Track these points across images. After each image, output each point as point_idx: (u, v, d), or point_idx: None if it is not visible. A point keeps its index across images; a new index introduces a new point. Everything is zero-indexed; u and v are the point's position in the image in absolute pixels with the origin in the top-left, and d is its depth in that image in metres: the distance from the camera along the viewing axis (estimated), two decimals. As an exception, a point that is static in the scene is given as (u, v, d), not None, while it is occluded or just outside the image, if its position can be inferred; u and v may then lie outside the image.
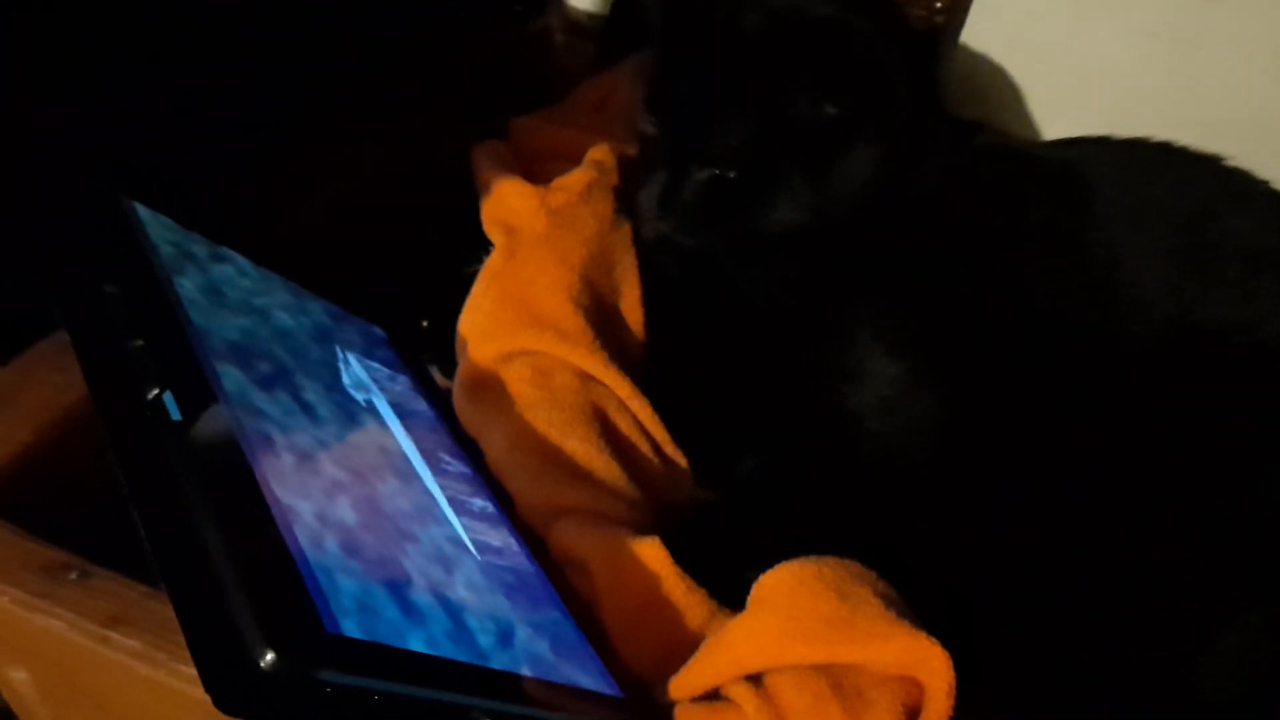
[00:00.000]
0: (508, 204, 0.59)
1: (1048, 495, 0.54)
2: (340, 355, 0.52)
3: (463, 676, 0.36)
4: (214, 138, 0.58)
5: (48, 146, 0.49)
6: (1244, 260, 0.57)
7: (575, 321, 0.55)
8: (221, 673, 0.30)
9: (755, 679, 0.42)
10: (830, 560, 0.44)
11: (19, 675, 0.47)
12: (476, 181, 0.62)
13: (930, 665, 0.41)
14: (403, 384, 0.55)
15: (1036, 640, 0.53)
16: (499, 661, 0.38)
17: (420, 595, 0.37)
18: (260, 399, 0.41)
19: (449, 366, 0.59)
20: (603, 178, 0.60)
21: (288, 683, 0.30)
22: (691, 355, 0.62)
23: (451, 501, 0.47)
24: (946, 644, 0.41)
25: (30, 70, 0.48)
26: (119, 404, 0.37)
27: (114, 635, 0.40)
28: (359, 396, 0.49)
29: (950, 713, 0.41)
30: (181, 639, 0.30)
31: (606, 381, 0.55)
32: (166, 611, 0.40)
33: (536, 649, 0.41)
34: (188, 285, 0.45)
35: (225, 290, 0.48)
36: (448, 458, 0.51)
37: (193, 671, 0.30)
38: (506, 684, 0.37)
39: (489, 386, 0.55)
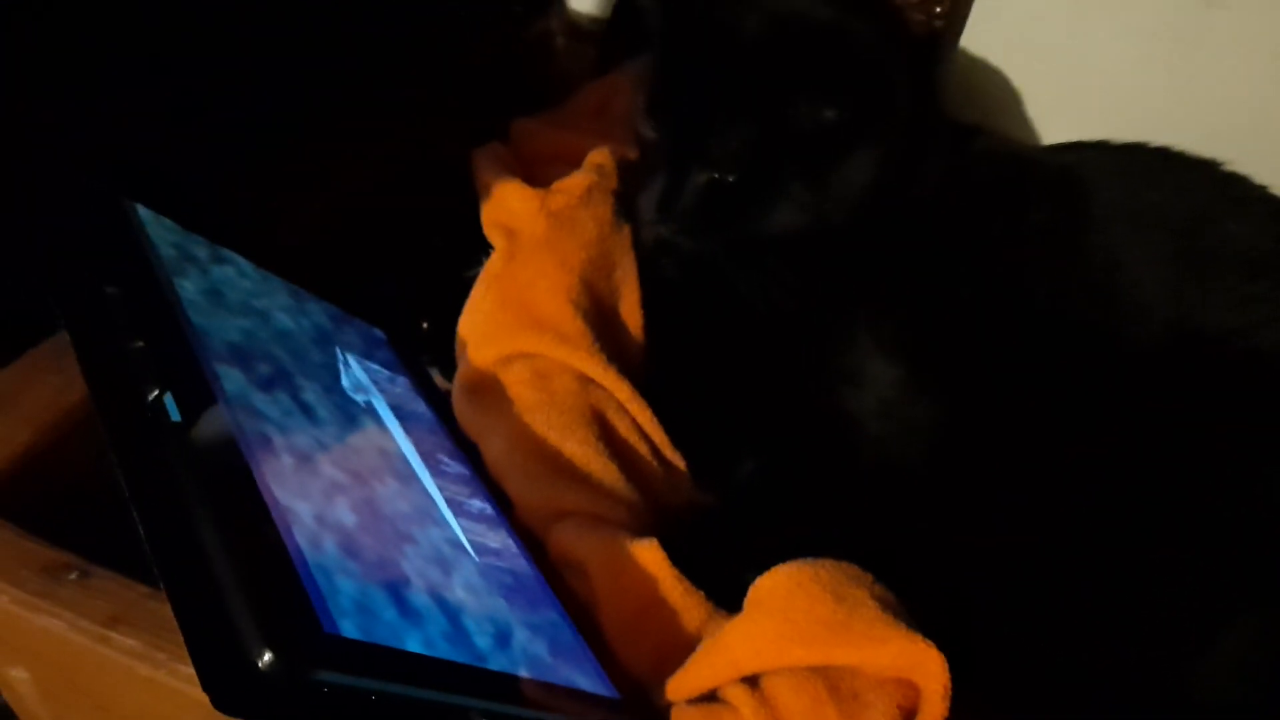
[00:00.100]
0: (508, 207, 0.59)
1: (1047, 497, 0.54)
2: (340, 357, 0.52)
3: (460, 677, 0.36)
4: (215, 139, 0.58)
5: (49, 147, 0.49)
6: (1242, 265, 0.57)
7: (575, 324, 0.55)
8: (220, 673, 0.30)
9: (752, 681, 0.42)
10: (827, 563, 0.44)
11: (19, 675, 0.47)
12: (477, 184, 0.62)
13: (926, 668, 0.41)
14: (402, 386, 0.55)
15: (1035, 642, 0.53)
16: (496, 663, 0.38)
17: (418, 596, 0.37)
18: (260, 400, 0.41)
19: (449, 368, 0.59)
20: (603, 181, 0.61)
21: (285, 683, 0.30)
22: (691, 358, 0.62)
23: (450, 503, 0.47)
24: (945, 646, 0.41)
25: (31, 71, 0.48)
26: (119, 405, 0.37)
27: (114, 635, 0.41)
28: (358, 398, 0.49)
29: (945, 715, 0.41)
30: (181, 639, 0.30)
31: (606, 384, 0.55)
32: (166, 612, 0.40)
33: (534, 650, 0.41)
34: (188, 287, 0.45)
35: (226, 292, 0.48)
36: (447, 459, 0.51)
37: (192, 671, 0.30)
38: (504, 685, 0.37)
39: (488, 389, 0.55)
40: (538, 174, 0.62)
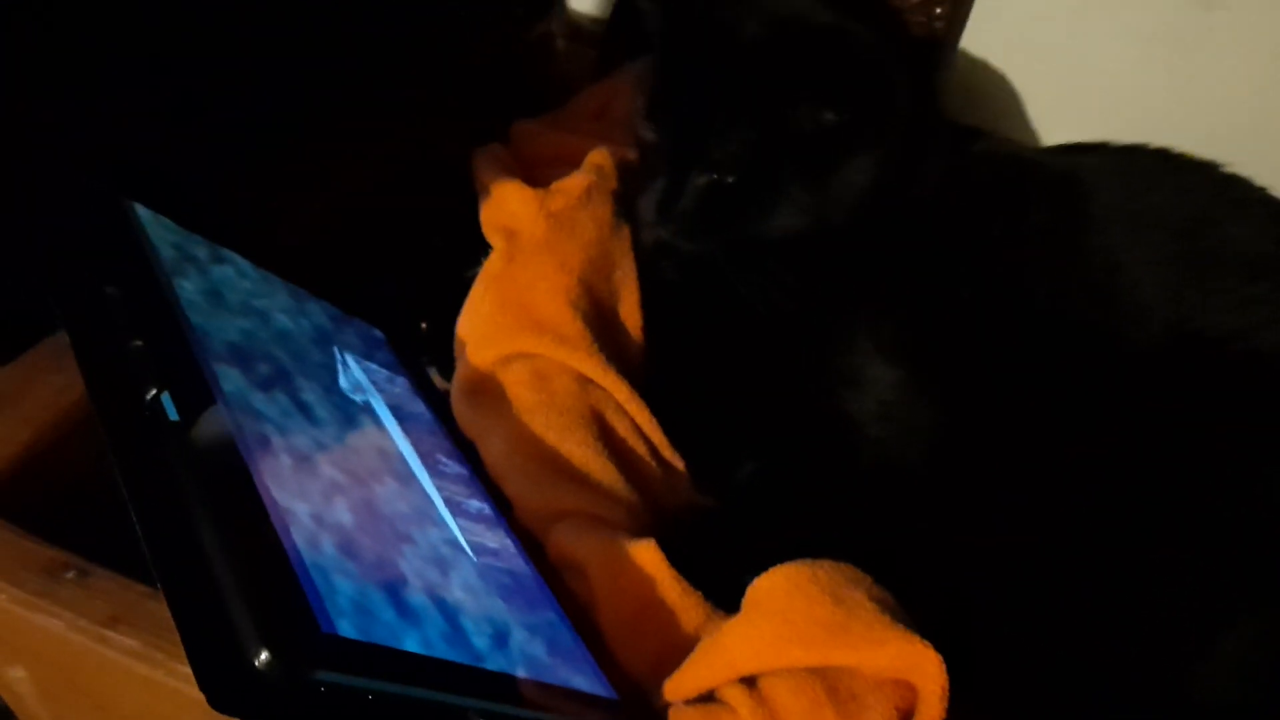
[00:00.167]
0: (507, 208, 0.59)
1: (1046, 500, 0.54)
2: (339, 357, 0.52)
3: (458, 677, 0.36)
4: (214, 139, 0.58)
5: (48, 147, 0.49)
6: (1241, 267, 0.57)
7: (574, 325, 0.55)
8: (217, 672, 0.30)
9: (750, 682, 0.42)
10: (825, 564, 0.44)
11: (17, 674, 0.47)
12: (477, 185, 0.63)
13: (924, 669, 0.41)
14: (401, 386, 0.56)
15: (1035, 643, 0.53)
16: (494, 663, 0.38)
17: (416, 596, 0.38)
18: (259, 400, 0.41)
19: (447, 369, 0.59)
20: (602, 182, 0.61)
21: (283, 682, 0.30)
22: (690, 360, 0.62)
23: (449, 503, 0.47)
24: (943, 648, 0.41)
25: (31, 70, 0.48)
26: (118, 405, 0.37)
27: (112, 635, 0.41)
28: (357, 398, 0.49)
29: (943, 716, 0.41)
30: (179, 639, 0.30)
31: (605, 385, 0.55)
32: (164, 611, 0.40)
33: (532, 651, 0.41)
34: (188, 287, 0.45)
35: (225, 292, 0.48)
36: (445, 460, 0.51)
37: (190, 671, 0.30)
38: (502, 685, 0.37)
39: (487, 389, 0.55)
40: (538, 175, 0.62)
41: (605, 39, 0.81)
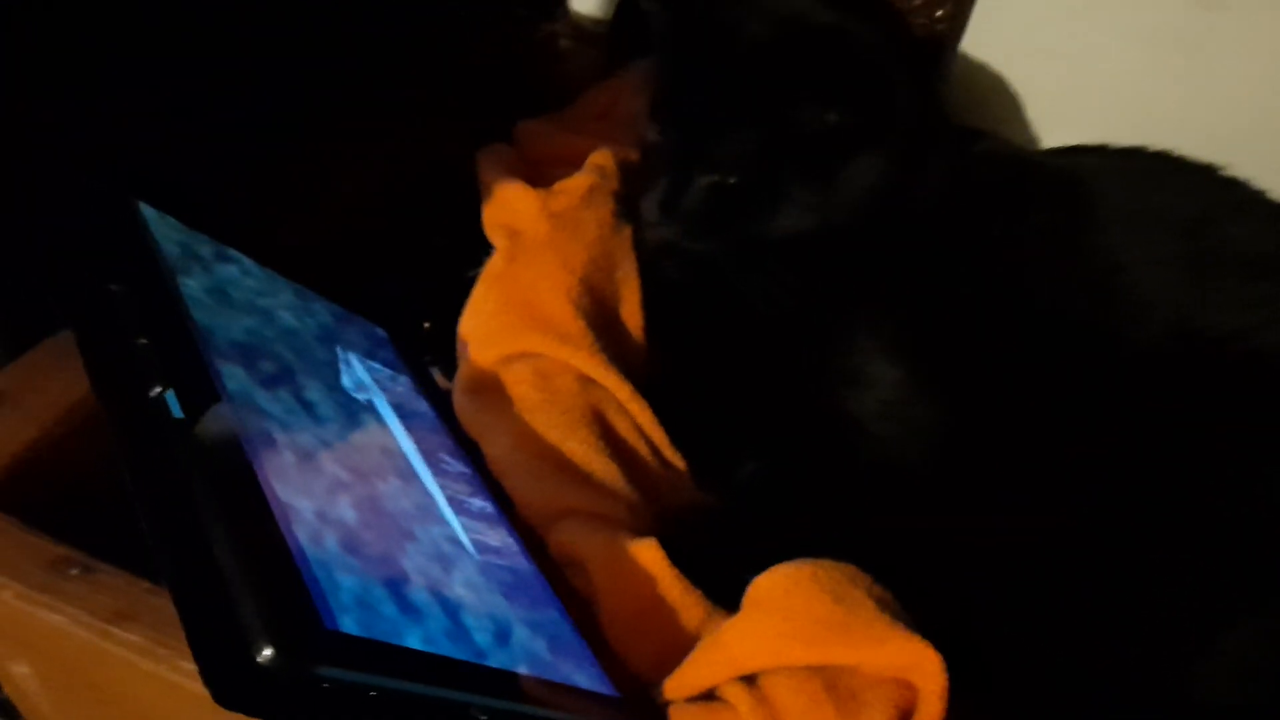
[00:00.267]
0: (510, 207, 0.59)
1: (1046, 499, 0.54)
2: (343, 356, 0.52)
3: (460, 674, 0.36)
4: (219, 138, 0.58)
5: (54, 147, 0.49)
6: (1242, 267, 0.57)
7: (576, 325, 0.55)
8: (221, 668, 0.30)
9: (750, 680, 0.42)
10: (826, 563, 0.44)
11: (22, 670, 0.48)
12: (480, 185, 0.63)
13: (924, 668, 0.41)
14: (404, 385, 0.56)
15: (1035, 643, 0.53)
16: (496, 660, 0.38)
17: (419, 593, 0.38)
18: (263, 398, 0.42)
19: (450, 368, 0.59)
20: (604, 182, 0.61)
21: (286, 678, 0.30)
22: (692, 359, 0.62)
23: (451, 501, 0.47)
24: (943, 646, 0.41)
25: (36, 69, 0.49)
26: (123, 402, 0.37)
27: (116, 630, 0.41)
28: (360, 396, 0.50)
29: (943, 715, 0.41)
30: (183, 634, 0.31)
31: (607, 385, 0.55)
32: (168, 607, 0.40)
33: (534, 648, 0.41)
34: (192, 285, 0.45)
35: (230, 290, 0.48)
36: (448, 458, 0.51)
37: (194, 667, 0.30)
38: (503, 682, 0.37)
39: (490, 388, 0.55)
40: (542, 175, 0.62)
41: (609, 39, 0.81)
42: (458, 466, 0.51)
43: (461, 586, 0.41)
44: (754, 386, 0.60)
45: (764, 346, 0.61)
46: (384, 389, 0.53)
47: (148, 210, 0.48)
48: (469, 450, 0.54)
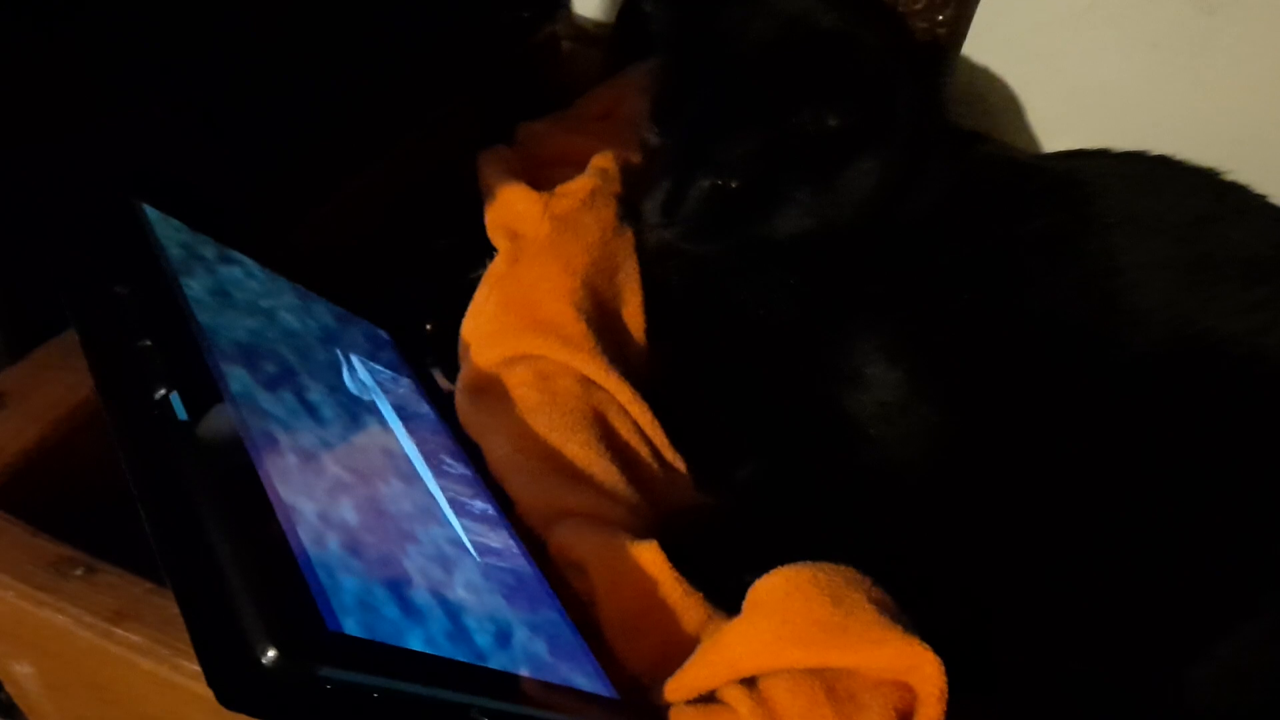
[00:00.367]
0: (512, 210, 0.59)
1: (1046, 502, 0.54)
2: (345, 357, 0.52)
3: (461, 675, 0.36)
4: (223, 141, 0.58)
5: (59, 149, 0.49)
6: (1241, 272, 0.57)
7: (577, 327, 0.55)
8: (224, 668, 0.30)
9: (750, 682, 0.42)
10: (825, 565, 0.44)
11: (24, 669, 0.48)
12: (481, 187, 0.63)
13: (922, 670, 0.41)
14: (405, 386, 0.56)
15: (1034, 646, 0.53)
16: (497, 661, 0.38)
17: (420, 595, 0.38)
18: (265, 399, 0.42)
19: (451, 370, 0.59)
20: (606, 184, 0.61)
21: (289, 679, 0.30)
22: (692, 361, 0.62)
23: (452, 503, 0.47)
24: (942, 649, 0.41)
25: (41, 71, 0.49)
26: (126, 403, 0.38)
27: (118, 631, 0.41)
28: (363, 398, 0.50)
29: (942, 717, 0.41)
30: (185, 635, 0.31)
31: (607, 386, 0.55)
32: (171, 607, 0.41)
33: (534, 649, 0.41)
34: (196, 286, 0.45)
35: (233, 292, 0.48)
36: (449, 460, 0.51)
37: (196, 667, 0.30)
38: (504, 683, 0.38)
39: (491, 390, 0.55)
40: (544, 177, 0.62)
41: (611, 42, 0.81)
42: (459, 468, 0.52)
43: (463, 588, 0.41)
44: (754, 388, 0.60)
45: (764, 348, 0.61)
46: (386, 390, 0.53)
47: (151, 212, 0.48)
48: (470, 452, 0.54)
